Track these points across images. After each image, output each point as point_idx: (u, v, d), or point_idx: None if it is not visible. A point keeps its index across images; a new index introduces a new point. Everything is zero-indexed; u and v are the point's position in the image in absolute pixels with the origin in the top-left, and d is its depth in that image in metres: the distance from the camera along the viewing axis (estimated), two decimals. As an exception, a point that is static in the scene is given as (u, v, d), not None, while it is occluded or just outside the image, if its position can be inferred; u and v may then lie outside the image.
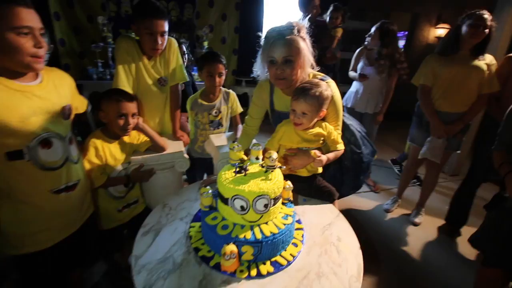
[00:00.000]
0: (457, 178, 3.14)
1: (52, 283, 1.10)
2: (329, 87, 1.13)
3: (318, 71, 1.23)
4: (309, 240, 0.97)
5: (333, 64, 2.81)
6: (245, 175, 0.90)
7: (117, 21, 3.72)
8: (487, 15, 1.69)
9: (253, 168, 0.93)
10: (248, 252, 0.82)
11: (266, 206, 0.85)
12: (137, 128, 1.44)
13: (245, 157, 0.96)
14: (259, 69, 1.21)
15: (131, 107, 1.34)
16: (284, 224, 0.89)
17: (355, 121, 1.51)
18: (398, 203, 2.48)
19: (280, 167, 0.94)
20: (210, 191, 0.93)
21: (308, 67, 1.14)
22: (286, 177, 0.97)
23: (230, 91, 1.77)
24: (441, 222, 2.31)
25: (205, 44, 3.99)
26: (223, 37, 4.44)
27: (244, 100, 1.77)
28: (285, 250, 0.90)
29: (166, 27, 1.43)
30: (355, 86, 2.70)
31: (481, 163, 1.92)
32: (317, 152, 1.10)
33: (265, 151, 1.02)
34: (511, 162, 1.06)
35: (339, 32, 2.83)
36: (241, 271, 0.81)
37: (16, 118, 0.86)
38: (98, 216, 1.36)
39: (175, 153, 1.57)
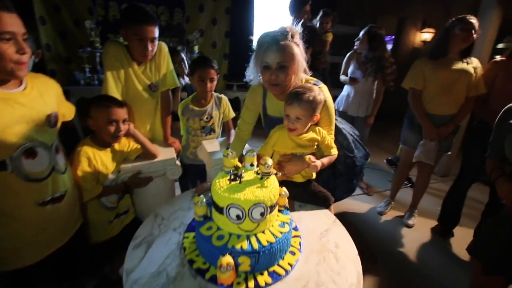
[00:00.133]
0: (447, 179, 3.20)
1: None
2: (321, 91, 1.13)
3: (310, 75, 1.22)
4: (307, 248, 0.95)
5: (323, 68, 2.84)
6: (240, 182, 0.87)
7: (105, 26, 3.66)
8: (475, 20, 1.74)
9: (248, 175, 0.91)
10: (245, 263, 0.79)
11: (262, 214, 0.82)
12: (128, 134, 1.40)
13: (239, 164, 0.94)
14: (251, 74, 1.20)
15: (122, 113, 1.30)
16: (281, 232, 0.86)
17: (347, 125, 1.51)
18: (391, 205, 2.50)
19: (275, 174, 0.93)
20: (204, 200, 0.90)
21: (301, 72, 1.13)
22: (281, 183, 0.95)
23: (222, 96, 1.75)
24: (434, 223, 2.33)
25: (196, 48, 3.97)
26: (214, 41, 4.43)
27: (235, 104, 1.75)
28: (283, 259, 0.87)
29: (156, 33, 1.40)
30: (346, 89, 2.74)
31: (471, 163, 1.95)
32: (312, 158, 1.09)
33: (258, 157, 1.00)
34: (503, 168, 1.06)
35: (330, 36, 2.87)
36: (238, 283, 0.78)
37: None
38: (88, 228, 1.30)
39: (167, 160, 1.54)
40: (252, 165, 0.95)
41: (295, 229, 1.02)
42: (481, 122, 1.88)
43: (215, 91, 1.72)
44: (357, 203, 2.61)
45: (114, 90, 1.43)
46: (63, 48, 3.66)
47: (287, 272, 0.84)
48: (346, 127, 1.47)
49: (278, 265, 0.85)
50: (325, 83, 1.22)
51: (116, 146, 1.38)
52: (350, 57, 2.72)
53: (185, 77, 2.35)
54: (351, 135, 1.44)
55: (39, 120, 0.94)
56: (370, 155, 1.54)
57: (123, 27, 1.37)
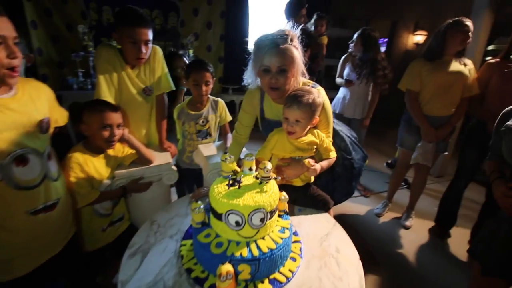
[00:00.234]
0: (442, 179, 3.22)
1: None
2: (320, 94, 1.12)
3: (309, 79, 1.22)
4: (308, 253, 0.93)
5: (317, 71, 2.85)
6: (239, 188, 0.85)
7: (98, 30, 3.62)
8: (470, 22, 1.77)
9: (246, 180, 0.89)
10: (245, 271, 0.77)
11: (262, 220, 0.80)
12: (122, 139, 1.37)
13: (238, 169, 0.92)
14: (250, 78, 1.18)
15: (116, 117, 1.27)
16: (282, 238, 0.84)
17: (344, 127, 1.51)
18: (389, 207, 2.49)
19: (275, 178, 0.91)
20: (202, 206, 0.88)
21: (299, 76, 1.13)
22: (280, 187, 0.93)
23: (219, 99, 1.73)
24: (431, 223, 2.33)
25: (191, 52, 3.95)
26: (209, 45, 4.42)
27: (231, 108, 1.73)
28: (284, 266, 0.85)
29: (150, 35, 1.38)
30: (342, 92, 2.75)
31: (467, 164, 1.96)
32: (311, 161, 1.08)
33: (257, 161, 0.99)
34: (503, 170, 1.07)
35: (325, 39, 2.89)
36: (238, 292, 0.76)
37: None
38: (81, 237, 1.26)
39: (163, 165, 1.51)
40: (251, 169, 0.94)
41: (295, 234, 1.00)
42: (476, 123, 1.89)
43: (210, 94, 1.71)
44: (354, 205, 2.61)
45: (107, 94, 1.40)
46: (55, 52, 3.61)
47: (288, 279, 0.82)
48: (343, 129, 1.46)
49: (279, 272, 0.83)
50: (320, 85, 1.21)
51: (110, 151, 1.35)
52: (346, 59, 2.74)
53: None
54: (348, 137, 1.44)
55: (30, 126, 0.91)
56: (368, 156, 1.54)
57: (116, 30, 1.35)
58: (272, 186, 0.87)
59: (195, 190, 1.71)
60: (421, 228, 2.31)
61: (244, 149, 1.47)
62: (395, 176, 2.40)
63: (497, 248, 1.09)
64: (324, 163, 1.14)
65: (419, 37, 5.48)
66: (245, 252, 0.78)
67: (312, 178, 1.21)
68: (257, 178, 0.89)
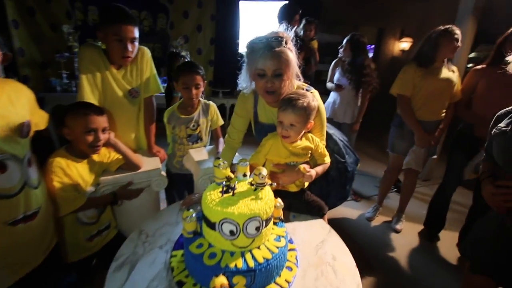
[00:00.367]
0: (429, 183, 3.27)
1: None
2: (314, 97, 1.10)
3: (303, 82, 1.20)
4: (304, 262, 0.90)
5: (308, 75, 2.87)
6: (233, 195, 0.82)
7: (84, 30, 3.52)
8: (459, 31, 1.82)
9: (240, 187, 0.86)
10: (240, 283, 0.73)
11: (258, 229, 0.77)
12: (108, 144, 1.30)
13: (231, 175, 0.88)
14: (244, 82, 1.15)
15: (101, 121, 1.21)
16: (277, 247, 0.81)
17: (336, 130, 1.50)
18: (379, 211, 2.51)
19: (270, 184, 0.88)
20: (193, 214, 0.83)
21: (294, 78, 1.11)
22: (274, 193, 0.90)
23: (211, 103, 1.68)
24: (420, 227, 2.36)
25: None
26: (199, 48, 4.38)
27: (221, 111, 1.69)
28: (280, 276, 0.82)
29: (136, 33, 1.34)
30: (332, 96, 2.77)
31: (455, 167, 1.99)
32: (306, 167, 1.06)
33: (250, 167, 0.95)
34: (496, 171, 1.09)
35: (316, 43, 2.91)
36: (233, 305, 0.72)
37: None
38: (63, 247, 1.19)
39: (151, 170, 1.45)
40: (245, 175, 0.90)
41: (290, 241, 0.97)
42: (464, 127, 1.93)
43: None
44: (345, 210, 2.61)
45: (90, 96, 1.34)
46: (38, 53, 3.48)
47: (284, 290, 0.78)
48: (335, 133, 1.46)
49: (275, 282, 0.80)
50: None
51: (95, 157, 1.28)
52: (336, 64, 2.76)
53: None
54: (341, 140, 1.43)
55: (9, 130, 0.84)
56: (360, 160, 1.53)
57: (101, 29, 1.30)
58: (267, 192, 0.84)
59: (185, 196, 1.67)
60: (410, 231, 2.33)
61: (237, 154, 1.43)
62: (385, 180, 2.41)
63: (486, 246, 1.11)
64: (319, 169, 1.12)
65: (405, 44, 5.64)
66: (240, 263, 0.74)
67: (307, 184, 1.18)
68: (251, 184, 0.85)
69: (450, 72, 1.91)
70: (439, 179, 2.17)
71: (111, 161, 1.35)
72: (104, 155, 1.33)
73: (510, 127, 1.01)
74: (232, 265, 0.73)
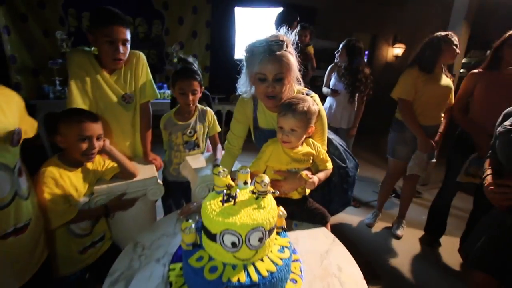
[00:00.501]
0: (427, 187, 3.26)
1: None
2: (315, 102, 1.08)
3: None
4: (308, 274, 0.86)
5: (305, 81, 2.87)
6: (234, 204, 0.78)
7: (78, 37, 3.47)
8: (456, 37, 1.85)
9: (242, 195, 0.82)
10: (244, 299, 0.69)
11: (261, 240, 0.73)
12: (102, 151, 1.26)
13: (232, 183, 0.85)
14: (244, 86, 1.13)
15: (96, 128, 1.17)
16: (281, 259, 0.77)
17: (335, 135, 1.48)
18: (379, 217, 2.48)
19: (273, 192, 0.84)
20: (193, 225, 0.79)
21: (295, 82, 1.08)
22: (276, 201, 0.87)
23: (208, 109, 1.65)
24: (420, 232, 2.33)
25: (175, 61, 3.87)
26: (194, 54, 4.36)
27: (217, 118, 1.66)
28: (284, 290, 0.78)
29: (127, 35, 1.31)
30: (328, 101, 2.77)
31: (454, 172, 1.98)
32: (309, 174, 1.03)
33: (251, 174, 0.92)
34: (500, 169, 1.09)
35: (311, 49, 2.92)
36: (236, 323, 0.67)
37: None
38: (55, 259, 1.13)
39: (147, 179, 1.40)
40: (246, 183, 0.86)
41: (294, 251, 0.93)
42: (463, 131, 1.93)
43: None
44: (345, 216, 2.57)
45: (79, 101, 1.30)
46: (30, 59, 3.42)
47: (290, 304, 0.74)
48: (335, 138, 1.43)
49: (280, 297, 0.76)
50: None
51: (89, 165, 1.24)
52: (332, 69, 2.77)
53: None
54: (340, 145, 1.41)
55: None
56: (359, 165, 1.51)
57: (91, 32, 1.27)
58: (270, 201, 0.81)
59: (183, 205, 1.61)
60: (411, 237, 2.31)
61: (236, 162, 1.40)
62: (385, 186, 2.39)
63: (487, 245, 1.11)
64: (321, 175, 1.09)
65: (398, 50, 5.72)
66: (242, 277, 0.70)
67: (309, 190, 1.15)
68: (253, 192, 0.82)
69: (447, 78, 1.93)
70: (437, 183, 2.16)
71: (106, 169, 1.31)
72: (99, 163, 1.29)
73: None
74: (234, 279, 0.69)
